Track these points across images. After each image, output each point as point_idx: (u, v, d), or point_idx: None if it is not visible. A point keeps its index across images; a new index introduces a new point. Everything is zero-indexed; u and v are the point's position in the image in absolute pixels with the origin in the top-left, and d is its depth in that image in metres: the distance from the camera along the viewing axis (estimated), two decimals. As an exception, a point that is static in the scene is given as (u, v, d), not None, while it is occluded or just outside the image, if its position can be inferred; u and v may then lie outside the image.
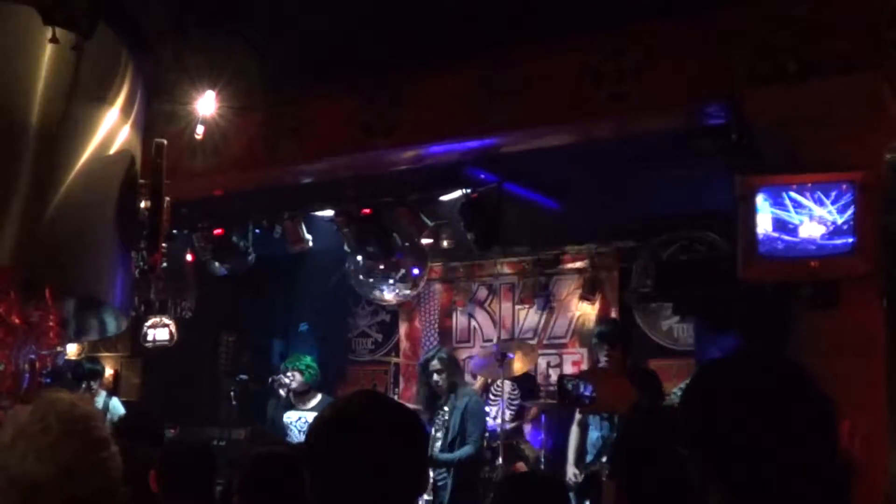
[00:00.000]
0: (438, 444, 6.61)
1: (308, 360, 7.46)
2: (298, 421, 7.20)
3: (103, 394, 7.98)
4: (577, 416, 6.54)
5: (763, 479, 1.43)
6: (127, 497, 2.04)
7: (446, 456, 6.51)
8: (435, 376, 6.74)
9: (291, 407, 7.34)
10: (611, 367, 6.26)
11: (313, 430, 1.83)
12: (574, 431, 6.59)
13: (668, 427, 2.01)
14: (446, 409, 6.69)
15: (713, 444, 1.48)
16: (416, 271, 8.05)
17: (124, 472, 2.02)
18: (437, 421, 6.74)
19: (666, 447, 1.91)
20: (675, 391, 6.19)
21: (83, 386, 7.59)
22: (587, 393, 2.65)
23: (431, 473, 6.64)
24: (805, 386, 1.51)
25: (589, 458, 6.27)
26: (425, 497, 6.66)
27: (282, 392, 7.35)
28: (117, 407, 7.80)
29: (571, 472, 6.43)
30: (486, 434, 6.87)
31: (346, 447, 1.73)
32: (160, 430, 4.44)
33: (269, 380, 7.56)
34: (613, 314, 8.37)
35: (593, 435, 6.25)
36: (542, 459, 7.09)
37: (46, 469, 1.86)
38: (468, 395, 6.70)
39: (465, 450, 6.48)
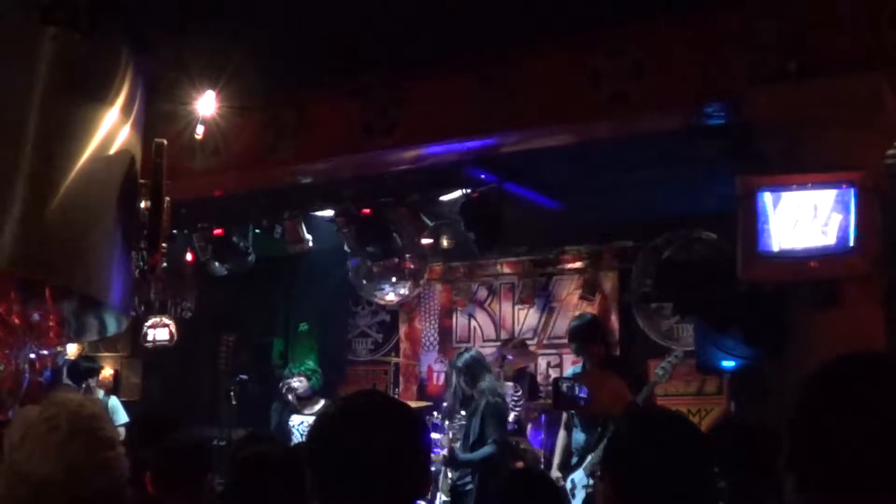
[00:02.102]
0: (458, 447, 6.58)
1: (311, 364, 7.46)
2: (301, 425, 7.19)
3: (101, 393, 7.98)
4: (564, 417, 6.52)
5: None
6: (132, 498, 2.05)
7: (466, 456, 6.47)
8: (454, 379, 6.70)
9: (296, 411, 7.33)
10: (590, 364, 6.27)
11: (315, 428, 1.85)
12: (561, 435, 6.56)
13: (657, 425, 2.02)
14: (463, 413, 6.68)
15: (808, 445, 1.47)
16: (416, 271, 8.05)
17: (130, 473, 2.03)
18: (454, 425, 6.73)
19: (654, 445, 1.91)
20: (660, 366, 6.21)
21: (83, 386, 7.59)
22: (582, 395, 2.65)
23: (451, 475, 6.62)
24: None
25: (574, 460, 6.20)
26: (443, 498, 6.65)
27: (290, 397, 7.34)
28: (117, 407, 7.79)
29: (555, 475, 6.34)
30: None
31: (347, 445, 1.74)
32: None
33: (280, 385, 7.55)
34: (613, 314, 8.37)
35: (579, 437, 6.18)
36: (542, 459, 7.09)
37: (53, 468, 1.88)
38: (488, 397, 6.55)
39: (485, 450, 6.39)
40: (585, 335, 6.35)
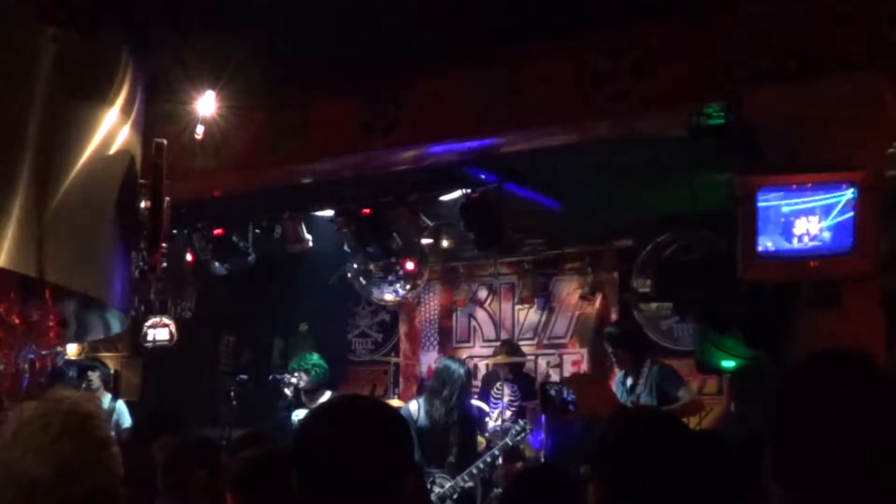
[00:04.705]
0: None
1: (314, 358, 7.43)
2: None
3: (108, 397, 7.96)
4: None
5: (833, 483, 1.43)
6: (126, 498, 2.04)
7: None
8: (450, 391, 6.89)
9: (301, 405, 7.33)
10: (616, 366, 6.57)
11: (299, 430, 1.88)
12: None
13: (644, 426, 2.01)
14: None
15: (790, 444, 1.48)
16: (416, 271, 8.05)
17: (127, 474, 2.02)
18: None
19: (642, 446, 1.90)
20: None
21: (83, 385, 7.58)
22: (570, 398, 2.64)
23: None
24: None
25: None
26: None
27: (287, 392, 7.33)
28: (122, 410, 7.79)
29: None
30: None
31: (330, 447, 1.76)
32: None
33: (270, 378, 7.54)
34: (613, 314, 8.37)
35: None
36: (542, 460, 7.09)
37: (45, 467, 1.87)
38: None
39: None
40: (614, 340, 6.63)
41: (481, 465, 6.53)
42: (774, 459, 1.49)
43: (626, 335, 6.73)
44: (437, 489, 6.52)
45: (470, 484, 6.56)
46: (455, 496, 6.56)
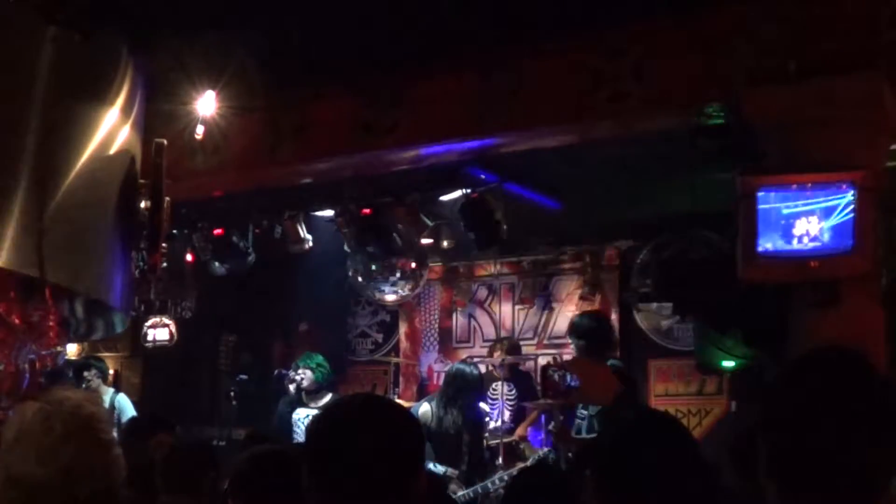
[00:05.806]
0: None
1: (319, 359, 7.44)
2: (307, 419, 7.17)
3: (110, 391, 7.97)
4: None
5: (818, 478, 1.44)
6: (128, 500, 2.03)
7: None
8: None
9: (301, 404, 7.33)
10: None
11: (311, 429, 1.88)
12: None
13: (643, 427, 2.01)
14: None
15: (777, 441, 1.49)
16: (416, 271, 8.05)
17: (127, 474, 2.02)
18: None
19: (641, 446, 1.90)
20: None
21: (83, 386, 7.58)
22: (574, 384, 2.64)
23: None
24: (873, 390, 1.51)
25: None
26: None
27: (291, 388, 7.34)
28: (124, 404, 7.78)
29: None
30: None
31: (340, 446, 1.77)
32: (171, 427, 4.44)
33: (276, 372, 7.54)
34: (613, 314, 8.35)
35: None
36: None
37: (46, 470, 1.86)
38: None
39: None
40: (597, 334, 6.24)
41: (497, 482, 6.52)
42: (767, 458, 1.50)
43: (592, 326, 6.27)
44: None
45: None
46: None
